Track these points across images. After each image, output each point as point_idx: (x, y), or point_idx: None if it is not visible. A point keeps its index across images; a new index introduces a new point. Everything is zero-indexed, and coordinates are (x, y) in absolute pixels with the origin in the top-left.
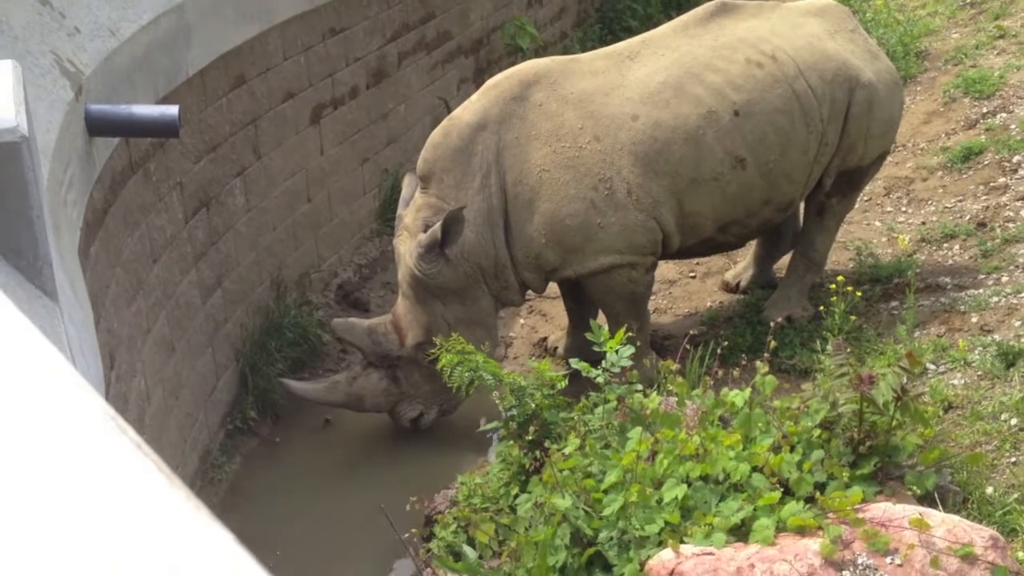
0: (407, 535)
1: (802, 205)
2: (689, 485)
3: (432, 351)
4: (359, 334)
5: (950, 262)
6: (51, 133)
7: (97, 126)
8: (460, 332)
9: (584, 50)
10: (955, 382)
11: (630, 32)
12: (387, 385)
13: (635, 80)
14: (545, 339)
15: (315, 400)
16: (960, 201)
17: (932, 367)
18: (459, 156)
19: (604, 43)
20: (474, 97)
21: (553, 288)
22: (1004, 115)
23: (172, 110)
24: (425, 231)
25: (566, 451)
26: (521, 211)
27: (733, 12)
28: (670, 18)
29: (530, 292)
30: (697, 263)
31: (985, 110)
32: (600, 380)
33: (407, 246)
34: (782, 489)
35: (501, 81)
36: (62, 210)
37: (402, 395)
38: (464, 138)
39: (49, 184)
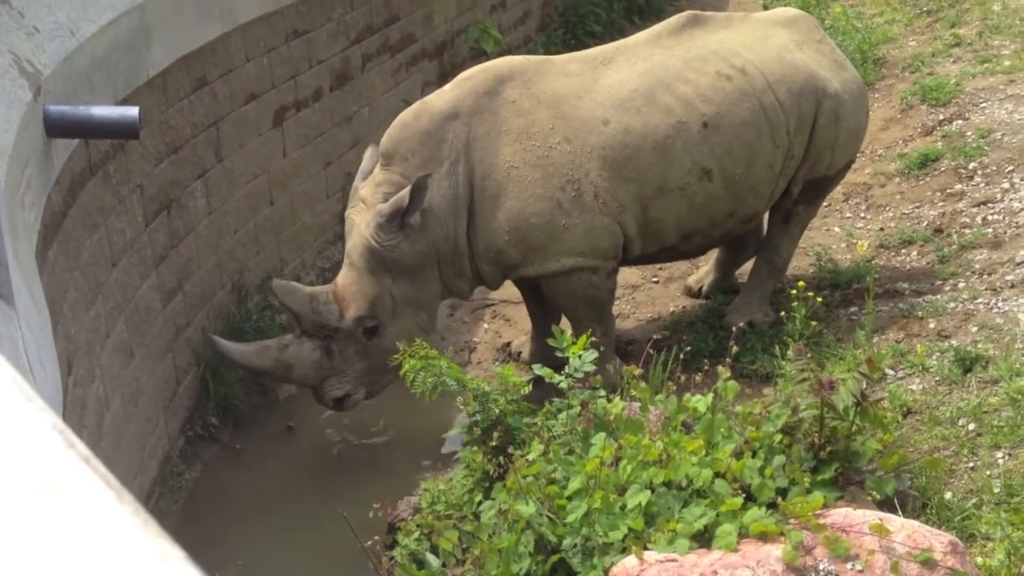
0: (370, 543)
1: (766, 213)
2: (652, 491)
3: (370, 325)
4: (299, 299)
5: (908, 268)
6: (8, 134)
7: (56, 127)
8: (403, 311)
9: (548, 54)
10: (914, 387)
11: (593, 37)
12: (319, 357)
13: (608, 85)
14: (509, 344)
15: (242, 363)
16: (917, 207)
17: (891, 372)
18: (427, 139)
19: (568, 48)
20: (448, 87)
21: (516, 293)
22: (960, 122)
23: (132, 111)
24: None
25: (530, 457)
26: (487, 205)
27: (705, 24)
28: (633, 24)
29: (493, 296)
30: (660, 268)
31: (942, 117)
32: (563, 385)
33: (363, 217)
34: (744, 495)
35: (476, 74)
36: (19, 212)
37: (332, 370)
38: (435, 123)
39: (6, 186)
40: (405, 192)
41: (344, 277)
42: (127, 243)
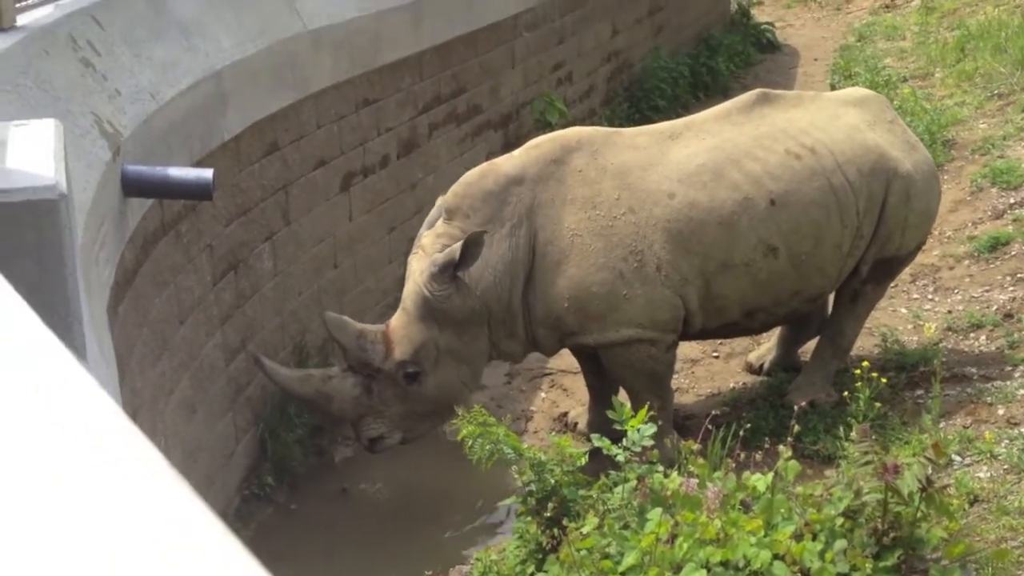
0: None
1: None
2: (709, 570)
3: (412, 371)
4: (348, 334)
5: (976, 352)
6: (88, 192)
7: (133, 187)
8: (446, 362)
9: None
10: (981, 475)
11: (658, 112)
12: (359, 394)
13: (675, 159)
14: (566, 414)
15: (284, 386)
16: (987, 291)
17: (958, 458)
18: (491, 199)
19: (632, 121)
20: (517, 152)
21: (574, 363)
22: None
23: (207, 173)
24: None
25: (584, 530)
26: (548, 271)
27: (775, 102)
28: (698, 99)
29: (552, 365)
30: (721, 343)
31: (1012, 200)
32: (620, 458)
33: (421, 264)
34: None
35: (544, 142)
36: (94, 268)
37: (370, 409)
38: (500, 185)
39: (83, 242)
40: (458, 245)
41: (396, 320)
42: (195, 301)
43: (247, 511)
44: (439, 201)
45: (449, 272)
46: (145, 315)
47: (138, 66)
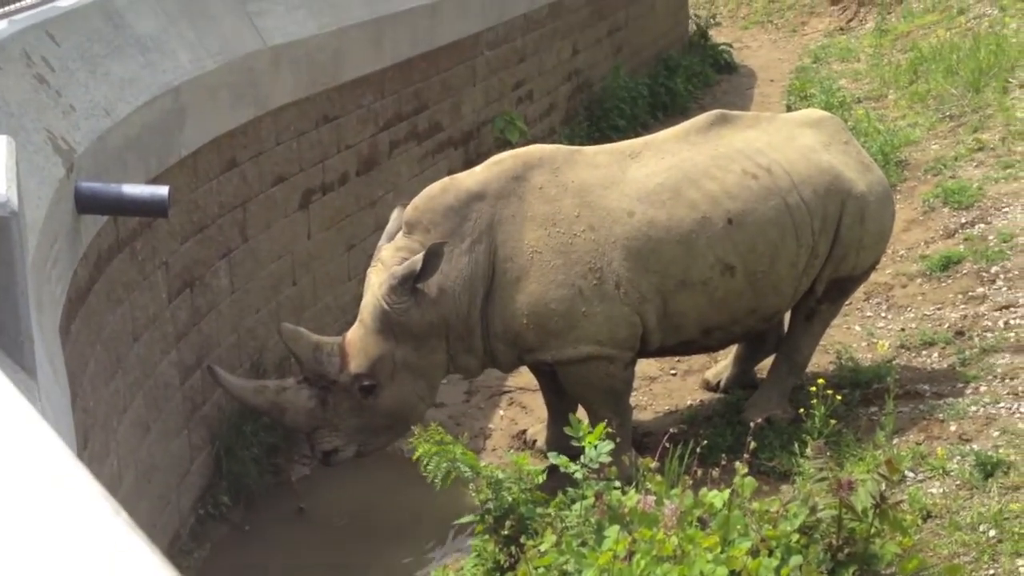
0: None
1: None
2: None
3: (367, 384)
4: (304, 345)
5: (929, 369)
6: (40, 209)
7: (87, 204)
8: (402, 376)
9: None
10: (934, 491)
11: (617, 131)
12: (314, 406)
13: (634, 178)
14: (524, 432)
15: (238, 398)
16: (939, 309)
17: (911, 475)
18: (451, 215)
19: (592, 140)
20: (478, 168)
21: (533, 381)
22: (983, 226)
23: (162, 190)
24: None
25: (542, 547)
26: (507, 287)
27: (732, 122)
28: (657, 119)
29: (511, 383)
30: (678, 361)
31: (964, 220)
32: (578, 476)
33: (380, 277)
34: None
35: (505, 159)
36: (46, 286)
37: (325, 421)
38: (460, 200)
39: (34, 260)
40: (418, 257)
41: (353, 332)
42: (149, 319)
43: (202, 531)
44: (395, 213)
45: (409, 284)
46: (98, 332)
47: (94, 82)
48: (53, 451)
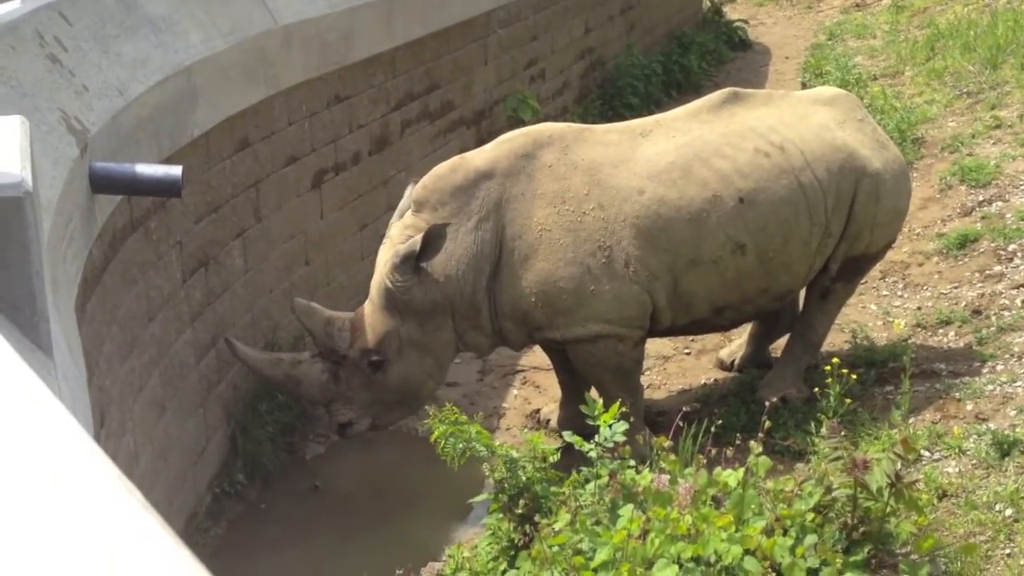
0: None
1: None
2: (680, 566)
3: (375, 360)
4: (316, 320)
5: (945, 348)
6: (55, 189)
7: (101, 183)
8: (409, 353)
9: (584, 124)
10: (949, 470)
11: (631, 109)
12: (327, 379)
13: (645, 156)
14: (538, 411)
15: (253, 368)
16: (956, 287)
17: (927, 454)
18: (459, 194)
19: (604, 119)
20: (487, 146)
21: (546, 360)
22: (1000, 204)
23: (176, 170)
24: None
25: (556, 526)
26: (516, 265)
27: (744, 100)
28: (671, 97)
29: (524, 362)
30: (692, 340)
31: (981, 198)
32: (592, 455)
33: (386, 254)
34: (774, 574)
35: (515, 137)
36: (61, 265)
37: (338, 394)
38: (469, 179)
39: (50, 239)
40: (418, 238)
41: (364, 308)
42: (164, 299)
43: (218, 509)
44: (408, 190)
45: (411, 263)
46: (114, 312)
47: (106, 62)
48: (67, 431)
